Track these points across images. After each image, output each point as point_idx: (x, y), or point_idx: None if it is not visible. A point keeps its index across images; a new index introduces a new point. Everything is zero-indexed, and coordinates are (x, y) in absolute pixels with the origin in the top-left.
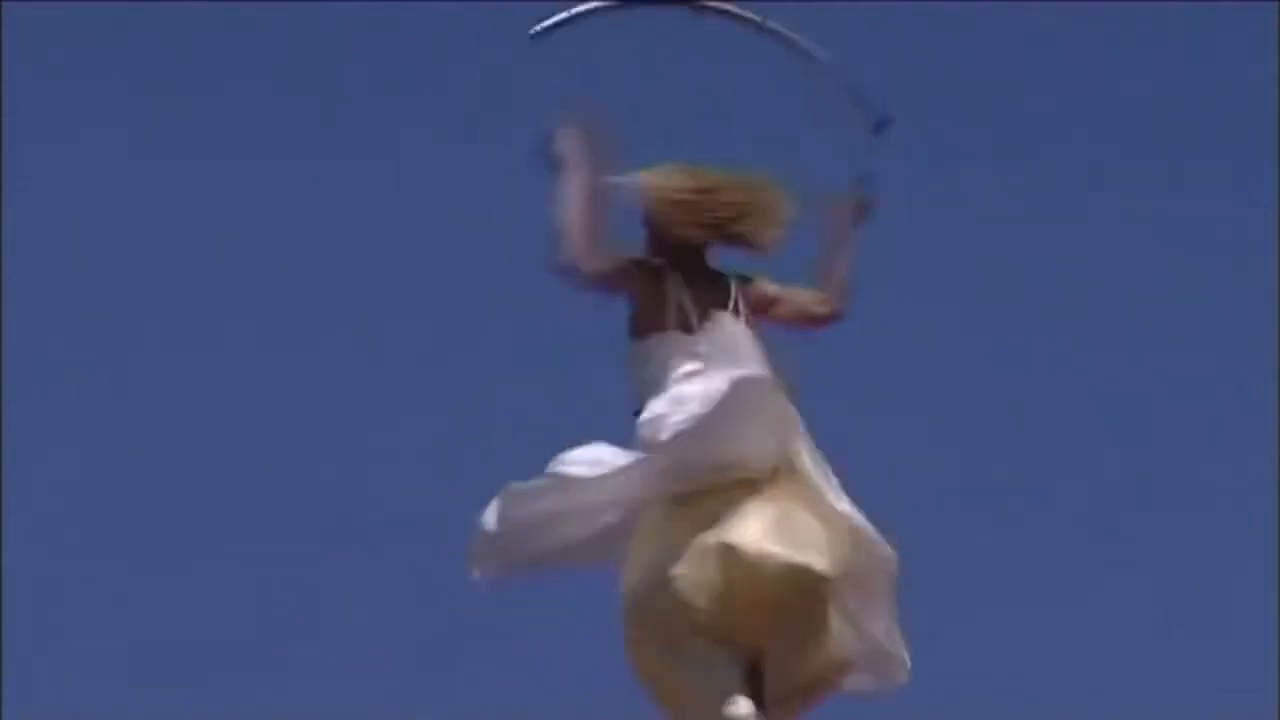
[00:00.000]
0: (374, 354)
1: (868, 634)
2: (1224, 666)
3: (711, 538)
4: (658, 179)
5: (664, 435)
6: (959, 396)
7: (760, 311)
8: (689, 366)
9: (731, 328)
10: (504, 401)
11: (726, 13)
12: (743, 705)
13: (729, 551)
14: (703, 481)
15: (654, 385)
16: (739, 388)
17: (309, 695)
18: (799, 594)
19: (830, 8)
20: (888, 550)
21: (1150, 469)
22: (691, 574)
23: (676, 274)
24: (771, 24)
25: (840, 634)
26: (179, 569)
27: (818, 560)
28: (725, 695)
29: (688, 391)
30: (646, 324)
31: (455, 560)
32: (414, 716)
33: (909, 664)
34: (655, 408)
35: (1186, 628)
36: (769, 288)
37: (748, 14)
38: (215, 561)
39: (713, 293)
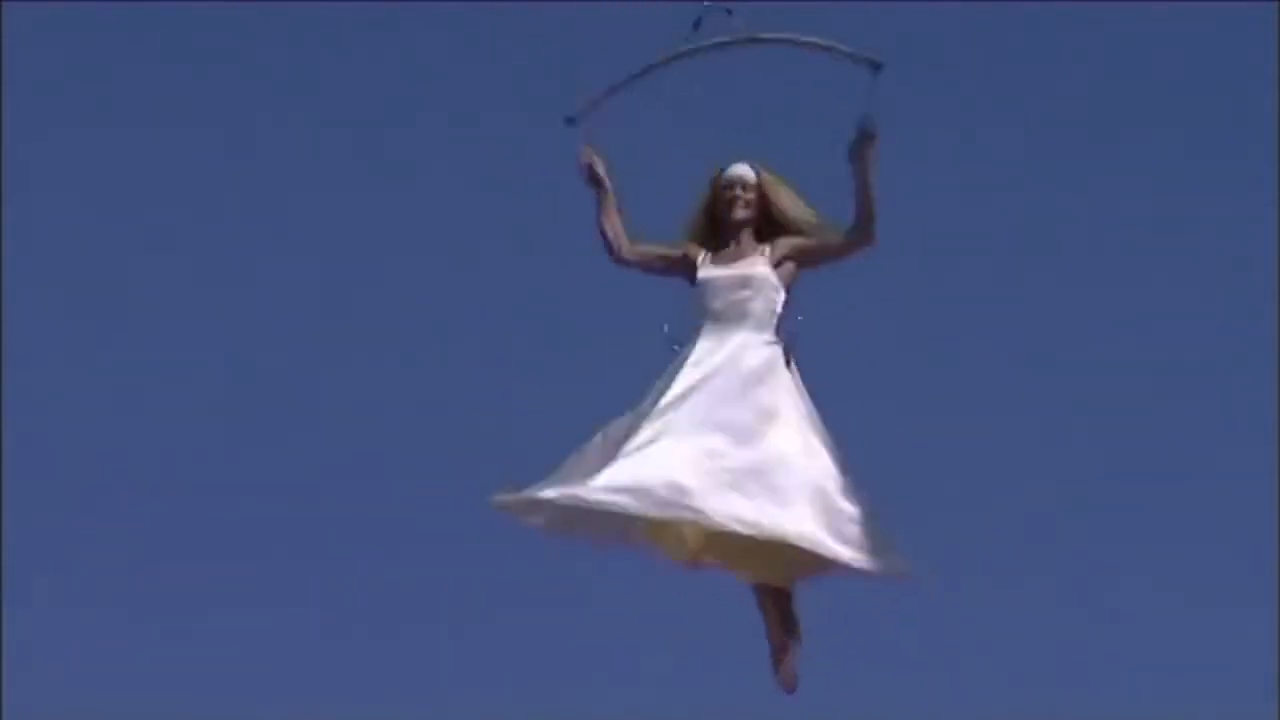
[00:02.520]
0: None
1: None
2: (1224, 666)
3: None
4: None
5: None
6: (956, 391)
7: (792, 258)
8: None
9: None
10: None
11: (723, 43)
12: None
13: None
14: None
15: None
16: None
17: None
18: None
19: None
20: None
21: (1149, 465)
22: None
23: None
24: (761, 35)
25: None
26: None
27: None
28: None
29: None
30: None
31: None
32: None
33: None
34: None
35: (1187, 627)
36: (793, 242)
37: (742, 37)
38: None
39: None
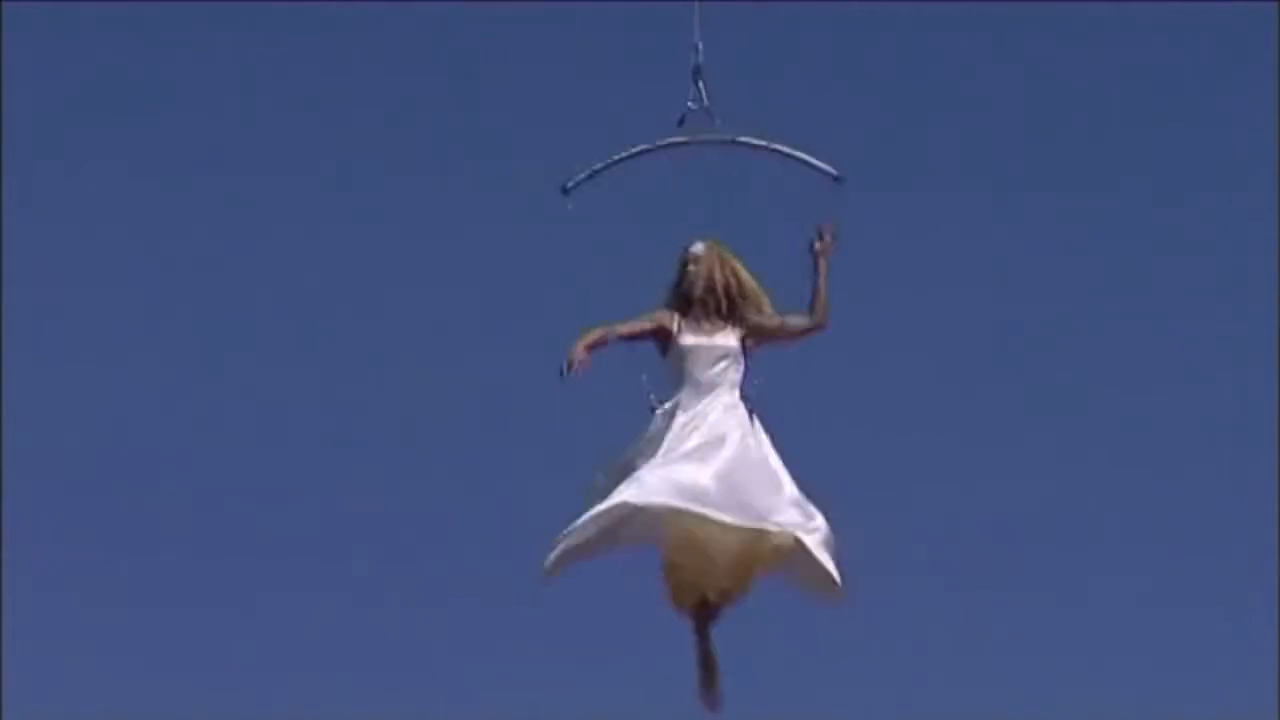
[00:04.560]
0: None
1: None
2: (1224, 666)
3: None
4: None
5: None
6: (965, 401)
7: (754, 335)
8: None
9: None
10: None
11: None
12: None
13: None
14: None
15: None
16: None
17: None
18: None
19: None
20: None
21: (1150, 468)
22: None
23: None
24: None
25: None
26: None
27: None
28: None
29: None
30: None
31: None
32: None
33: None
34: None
35: (1187, 628)
36: (758, 317)
37: (725, 137)
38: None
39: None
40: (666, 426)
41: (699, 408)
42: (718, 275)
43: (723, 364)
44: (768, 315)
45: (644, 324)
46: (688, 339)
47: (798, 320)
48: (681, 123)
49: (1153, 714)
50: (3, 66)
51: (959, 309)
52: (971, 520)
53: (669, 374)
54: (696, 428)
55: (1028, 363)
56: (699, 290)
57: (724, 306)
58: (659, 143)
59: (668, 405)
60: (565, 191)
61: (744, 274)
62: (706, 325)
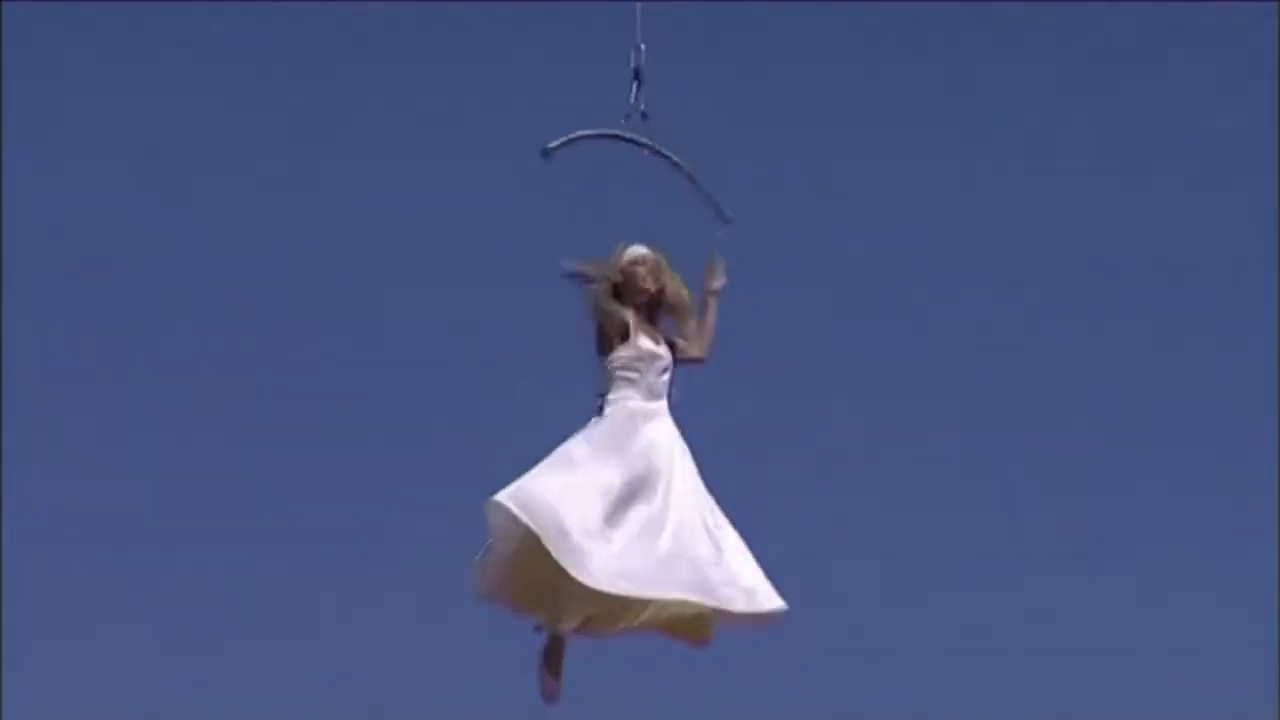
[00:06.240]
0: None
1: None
2: (1224, 667)
3: None
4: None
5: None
6: (966, 409)
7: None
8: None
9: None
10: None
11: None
12: None
13: None
14: None
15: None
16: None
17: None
18: None
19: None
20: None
21: (1149, 471)
22: None
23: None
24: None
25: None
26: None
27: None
28: None
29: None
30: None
31: None
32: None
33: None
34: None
35: (1187, 628)
36: (681, 336)
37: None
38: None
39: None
40: (615, 442)
41: (646, 430)
42: (670, 286)
43: (666, 375)
44: (687, 334)
45: (622, 314)
46: (645, 343)
47: (691, 348)
48: (627, 118)
49: (1153, 713)
50: (3, 66)
51: (955, 306)
52: (970, 518)
53: (606, 373)
54: (646, 472)
55: (1026, 360)
56: (645, 297)
57: (658, 316)
58: (623, 133)
59: (614, 405)
60: (546, 155)
61: (685, 290)
62: (648, 330)
